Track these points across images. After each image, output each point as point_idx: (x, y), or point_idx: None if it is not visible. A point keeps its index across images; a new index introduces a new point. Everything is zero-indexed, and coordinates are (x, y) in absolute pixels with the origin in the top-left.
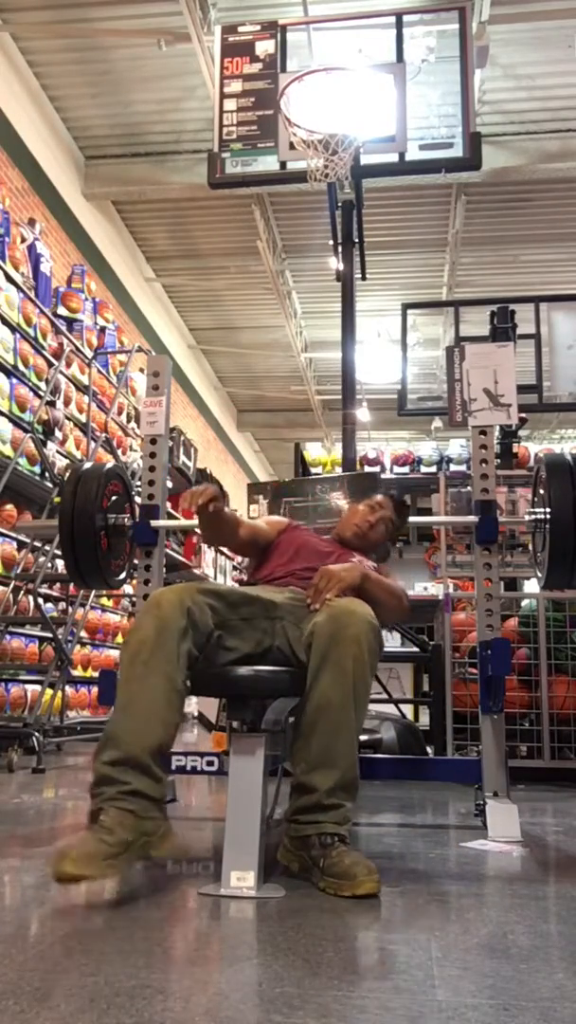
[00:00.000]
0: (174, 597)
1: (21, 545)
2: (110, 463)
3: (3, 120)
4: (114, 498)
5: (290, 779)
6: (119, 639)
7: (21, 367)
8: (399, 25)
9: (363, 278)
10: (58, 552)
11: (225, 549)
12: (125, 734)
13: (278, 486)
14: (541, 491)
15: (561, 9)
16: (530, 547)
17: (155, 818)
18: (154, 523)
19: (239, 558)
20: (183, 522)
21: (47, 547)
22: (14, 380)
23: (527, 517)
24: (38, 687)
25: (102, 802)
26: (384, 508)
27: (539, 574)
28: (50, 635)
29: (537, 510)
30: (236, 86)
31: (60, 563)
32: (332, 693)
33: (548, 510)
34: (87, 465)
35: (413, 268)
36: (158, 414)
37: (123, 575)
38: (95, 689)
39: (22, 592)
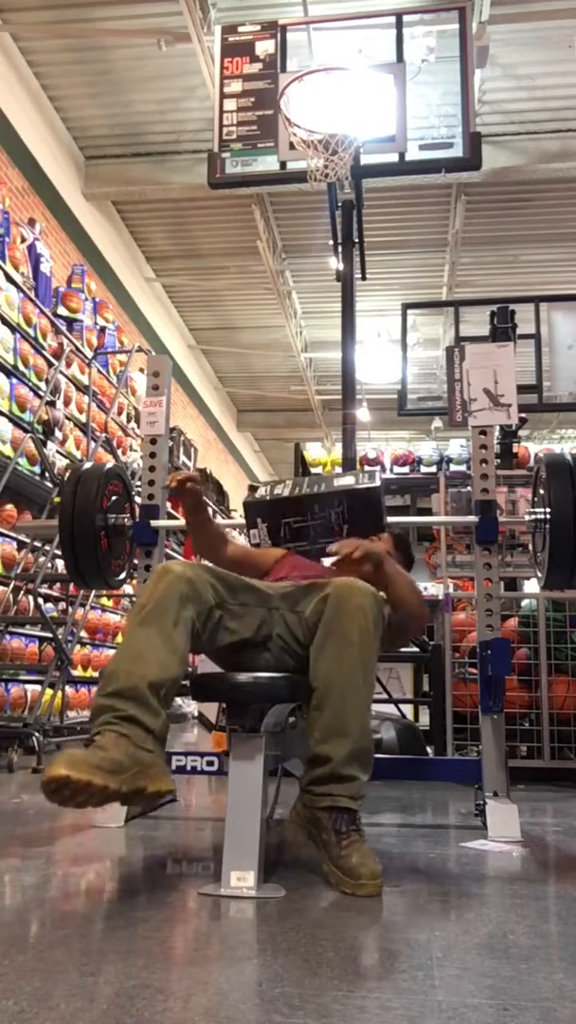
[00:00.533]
0: (179, 568)
1: (21, 545)
2: (110, 463)
3: (3, 120)
4: (114, 498)
5: (291, 777)
6: (119, 639)
7: (21, 367)
8: (399, 25)
9: (363, 278)
10: (58, 552)
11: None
12: (123, 669)
13: (276, 505)
14: (541, 491)
15: (561, 9)
16: (530, 547)
17: (150, 751)
18: (154, 523)
19: None
20: (183, 522)
21: (47, 547)
22: (14, 380)
23: (527, 517)
24: (38, 687)
25: (97, 727)
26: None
27: (539, 574)
28: (50, 635)
29: (537, 510)
30: (236, 86)
31: (60, 563)
32: (340, 664)
33: (548, 510)
34: (87, 465)
35: (413, 268)
36: (158, 414)
37: (123, 575)
38: (95, 689)
39: (22, 592)
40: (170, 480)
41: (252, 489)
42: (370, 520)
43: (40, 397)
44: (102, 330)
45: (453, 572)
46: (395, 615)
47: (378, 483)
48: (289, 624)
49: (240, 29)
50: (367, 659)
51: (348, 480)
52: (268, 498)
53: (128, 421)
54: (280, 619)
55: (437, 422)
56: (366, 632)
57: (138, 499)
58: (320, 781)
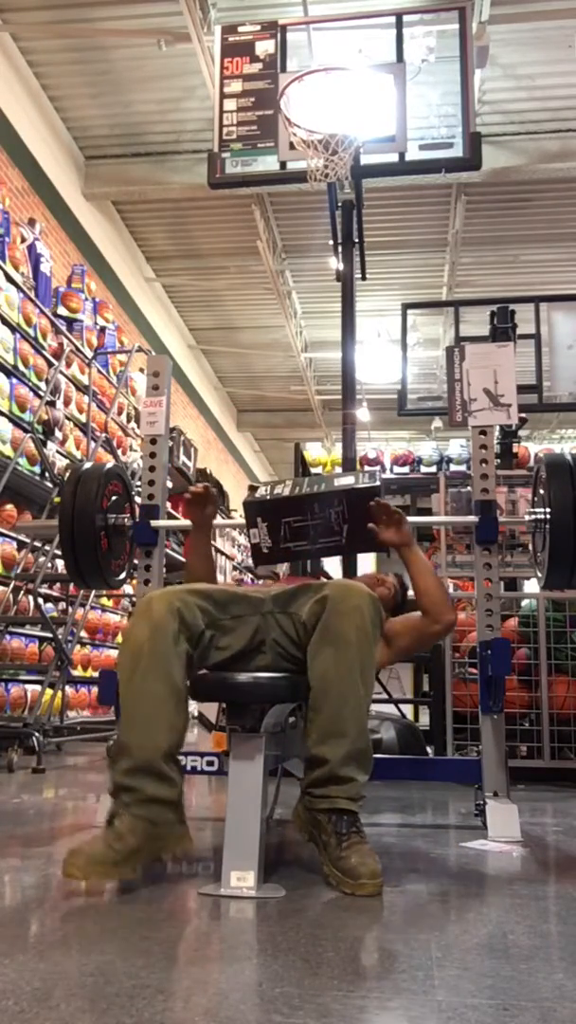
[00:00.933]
0: (163, 600)
1: (21, 545)
2: (110, 463)
3: (3, 120)
4: (114, 498)
5: (291, 777)
6: (119, 639)
7: (21, 367)
8: (399, 25)
9: (363, 278)
10: (58, 552)
11: (224, 549)
12: (135, 742)
13: (276, 504)
14: (541, 491)
15: (561, 9)
16: (530, 547)
17: (169, 821)
18: (154, 523)
19: (239, 557)
20: (183, 522)
21: (47, 547)
22: (14, 380)
23: (527, 517)
24: (38, 687)
25: (119, 807)
26: (384, 584)
27: (539, 574)
28: (50, 635)
29: (537, 510)
30: (236, 86)
31: (60, 563)
32: (336, 664)
33: (548, 510)
34: (87, 465)
35: (413, 268)
36: (158, 414)
37: (123, 575)
38: (95, 689)
39: (22, 592)
40: (195, 489)
41: (252, 489)
42: (370, 519)
43: (40, 397)
44: (102, 330)
45: (453, 572)
46: (421, 621)
47: (378, 483)
48: (283, 627)
49: (240, 29)
50: (364, 659)
51: (348, 480)
52: (268, 498)
53: (128, 421)
54: (274, 623)
55: (437, 422)
56: (363, 632)
57: (138, 499)
58: (318, 783)
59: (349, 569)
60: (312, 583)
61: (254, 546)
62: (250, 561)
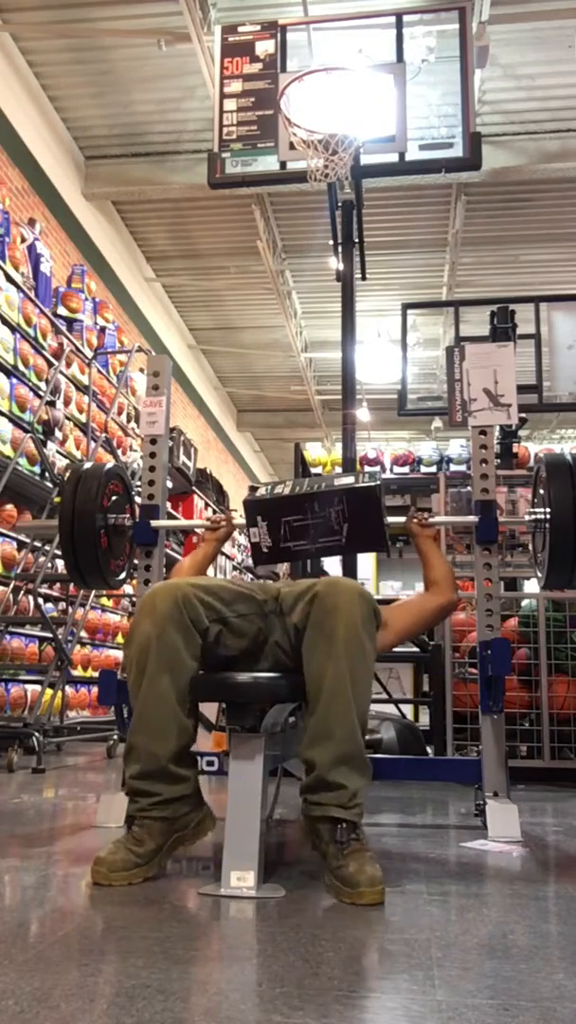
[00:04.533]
0: (168, 595)
1: (21, 545)
2: (110, 463)
3: (3, 120)
4: (114, 498)
5: (291, 777)
6: (119, 639)
7: (21, 367)
8: (399, 25)
9: (363, 278)
10: (58, 552)
11: (224, 549)
12: (145, 746)
13: (276, 504)
14: (541, 491)
15: (561, 9)
16: (530, 547)
17: (187, 814)
18: (154, 523)
19: (239, 557)
20: (183, 522)
21: (47, 547)
22: (14, 380)
23: (527, 517)
24: (38, 687)
25: (136, 811)
26: None
27: (539, 574)
28: (50, 635)
29: (537, 510)
30: (236, 86)
31: (60, 563)
32: (325, 662)
33: (548, 510)
34: (87, 465)
35: (413, 268)
36: (158, 414)
37: (123, 575)
38: (95, 689)
39: (22, 592)
40: (218, 521)
41: (253, 490)
42: (370, 519)
43: (40, 397)
44: (102, 330)
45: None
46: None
47: (377, 483)
48: (287, 627)
49: (240, 29)
50: (355, 657)
51: (348, 480)
52: (268, 497)
53: (128, 421)
54: (280, 625)
55: (437, 422)
56: (352, 628)
57: (138, 499)
58: (311, 789)
59: (349, 570)
60: (306, 584)
61: (254, 545)
62: (250, 561)
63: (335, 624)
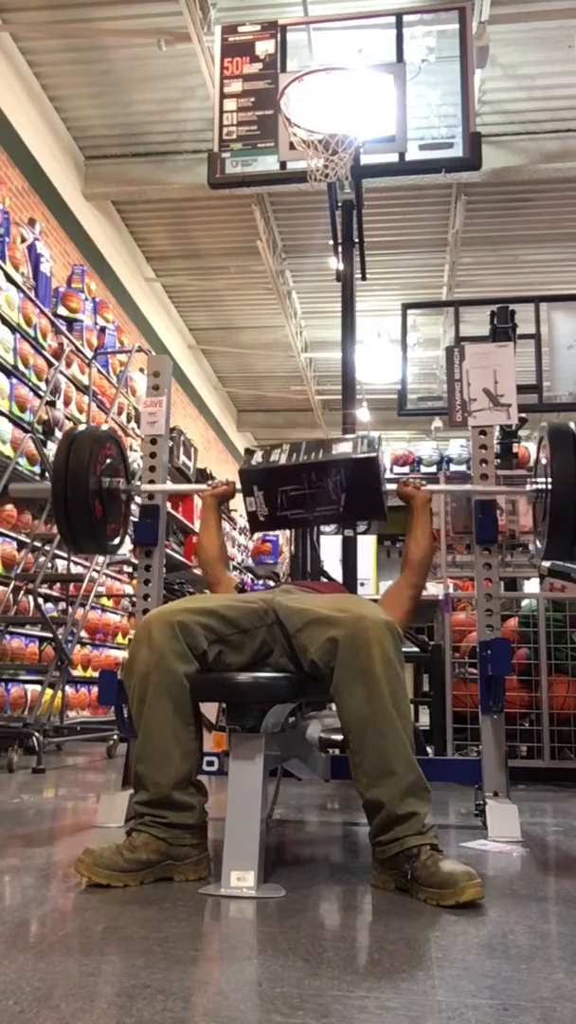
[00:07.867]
0: (162, 623)
1: (21, 545)
2: (105, 425)
3: (3, 120)
4: (108, 461)
5: (291, 777)
6: (119, 639)
7: (21, 367)
8: (399, 25)
9: (363, 278)
10: (59, 552)
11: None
12: (150, 777)
13: (273, 473)
14: (543, 460)
15: (561, 9)
16: (530, 516)
17: (186, 847)
18: (151, 487)
19: (239, 557)
20: (184, 486)
21: (47, 547)
22: (14, 380)
23: (528, 487)
24: (38, 687)
25: (138, 824)
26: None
27: (538, 544)
28: (50, 635)
29: (539, 479)
30: (236, 86)
31: (60, 563)
32: (369, 702)
33: (550, 480)
34: (81, 427)
35: (413, 268)
36: (158, 414)
37: (118, 539)
38: (95, 689)
39: (22, 592)
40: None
41: (249, 453)
42: (369, 488)
43: (40, 397)
44: (102, 330)
45: (453, 572)
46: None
47: (376, 452)
48: (288, 636)
49: (240, 29)
50: (396, 690)
51: (346, 447)
52: (264, 465)
53: (128, 421)
54: (281, 635)
55: (437, 422)
56: (388, 663)
57: (134, 465)
58: (382, 828)
59: (349, 570)
60: (320, 614)
61: (251, 514)
62: (250, 561)
63: (370, 662)
